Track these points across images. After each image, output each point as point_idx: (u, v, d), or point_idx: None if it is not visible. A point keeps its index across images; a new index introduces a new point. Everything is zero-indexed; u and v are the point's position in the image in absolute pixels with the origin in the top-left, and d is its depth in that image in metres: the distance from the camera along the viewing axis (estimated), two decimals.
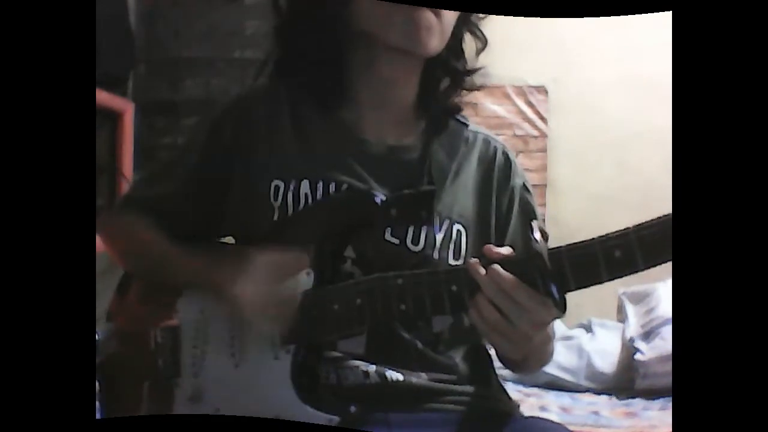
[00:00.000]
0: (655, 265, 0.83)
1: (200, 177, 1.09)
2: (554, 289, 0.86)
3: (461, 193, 1.08)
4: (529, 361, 1.06)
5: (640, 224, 0.83)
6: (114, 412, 1.08)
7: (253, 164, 1.05)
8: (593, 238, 0.85)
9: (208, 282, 1.01)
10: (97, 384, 1.09)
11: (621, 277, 0.84)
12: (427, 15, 1.00)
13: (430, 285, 0.92)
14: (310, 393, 0.96)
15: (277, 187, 1.03)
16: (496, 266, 0.87)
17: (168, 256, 1.07)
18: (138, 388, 1.06)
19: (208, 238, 1.10)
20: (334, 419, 0.94)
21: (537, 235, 0.87)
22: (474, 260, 0.90)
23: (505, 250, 0.90)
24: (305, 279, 0.98)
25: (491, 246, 0.91)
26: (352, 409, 0.95)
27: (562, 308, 0.88)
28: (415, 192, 1.01)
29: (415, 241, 1.02)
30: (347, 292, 0.95)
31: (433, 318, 1.01)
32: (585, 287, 0.86)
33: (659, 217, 0.82)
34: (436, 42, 1.02)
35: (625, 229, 0.84)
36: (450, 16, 1.03)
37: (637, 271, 0.83)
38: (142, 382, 1.05)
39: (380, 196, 1.00)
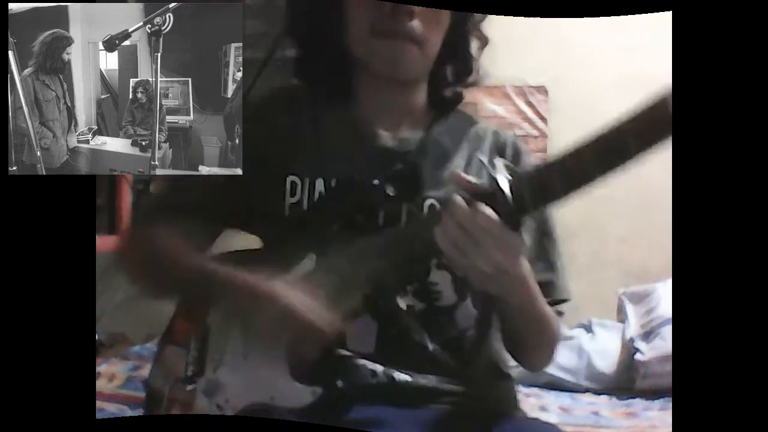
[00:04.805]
0: (609, 174, 0.83)
1: (220, 179, 1.08)
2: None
3: None
4: (529, 347, 1.07)
5: (596, 135, 0.83)
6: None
7: (272, 162, 1.06)
8: (554, 158, 0.85)
9: (241, 283, 0.99)
10: (144, 393, 1.11)
11: (577, 190, 0.84)
12: (408, 47, 1.04)
13: (406, 233, 0.96)
14: (299, 368, 0.97)
15: (294, 184, 1.05)
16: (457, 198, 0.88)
17: (198, 265, 1.06)
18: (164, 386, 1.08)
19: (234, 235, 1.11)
20: (317, 390, 0.95)
21: (501, 170, 0.88)
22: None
23: (474, 178, 0.91)
24: (308, 263, 1.00)
25: (460, 172, 0.92)
26: (340, 383, 0.96)
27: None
28: (404, 168, 1.04)
29: None
30: (339, 263, 0.98)
31: (455, 313, 1.03)
32: (544, 208, 0.94)
33: (614, 121, 0.82)
34: (416, 69, 1.07)
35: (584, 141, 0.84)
36: (435, 39, 1.06)
37: (593, 182, 0.83)
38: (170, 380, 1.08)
39: (377, 180, 1.02)
